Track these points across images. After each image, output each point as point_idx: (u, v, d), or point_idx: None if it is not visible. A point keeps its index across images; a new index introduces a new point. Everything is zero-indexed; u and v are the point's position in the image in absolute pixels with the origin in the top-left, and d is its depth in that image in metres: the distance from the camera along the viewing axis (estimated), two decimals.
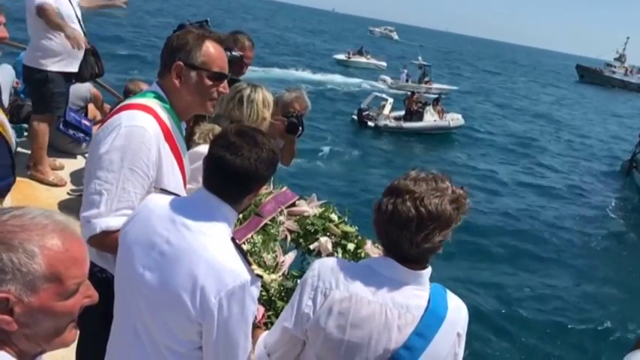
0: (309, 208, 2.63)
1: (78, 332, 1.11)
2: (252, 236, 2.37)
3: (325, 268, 1.60)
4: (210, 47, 1.97)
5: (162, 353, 1.60)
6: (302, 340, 1.61)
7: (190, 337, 1.57)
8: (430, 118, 25.49)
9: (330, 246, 2.50)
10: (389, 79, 38.66)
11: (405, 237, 1.48)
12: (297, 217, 2.59)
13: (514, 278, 12.39)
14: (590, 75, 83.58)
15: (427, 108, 25.58)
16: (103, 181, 1.81)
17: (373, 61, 49.39)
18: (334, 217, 2.62)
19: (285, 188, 2.67)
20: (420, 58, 40.45)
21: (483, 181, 19.77)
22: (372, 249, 2.54)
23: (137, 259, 1.61)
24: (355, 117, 24.82)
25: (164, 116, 1.94)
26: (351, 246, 2.53)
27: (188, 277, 1.52)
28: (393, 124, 24.42)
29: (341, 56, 48.57)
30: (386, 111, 24.56)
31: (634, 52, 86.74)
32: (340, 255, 2.48)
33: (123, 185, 1.81)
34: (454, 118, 26.55)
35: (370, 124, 24.13)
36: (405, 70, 38.38)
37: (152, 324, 1.59)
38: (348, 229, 2.60)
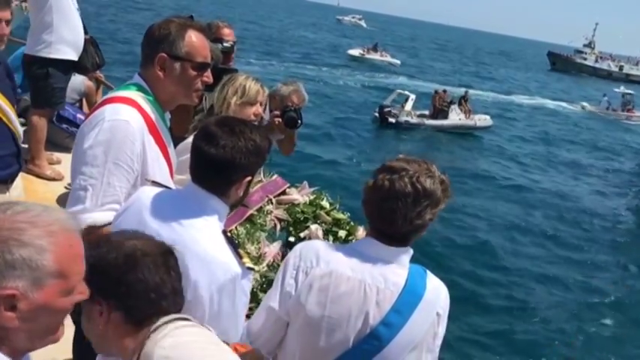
0: (299, 195, 2.73)
1: (64, 329, 1.18)
2: (235, 227, 2.46)
3: (306, 248, 1.75)
4: (193, 37, 2.03)
5: None
6: (286, 322, 1.74)
7: None
8: (455, 117, 25.52)
9: (320, 234, 2.61)
10: (588, 106, 40.54)
11: (400, 212, 1.61)
12: (287, 205, 2.70)
13: (539, 272, 12.96)
14: (561, 62, 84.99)
15: (452, 107, 25.61)
16: (87, 176, 1.89)
17: (388, 58, 50.56)
18: (325, 204, 2.73)
19: (275, 177, 2.78)
20: (622, 87, 42.23)
21: (504, 176, 20.41)
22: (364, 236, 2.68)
23: None
24: (377, 114, 25.02)
25: (147, 108, 2.01)
26: (342, 233, 2.65)
27: (182, 271, 1.59)
28: (414, 120, 24.55)
29: (355, 52, 49.64)
30: (407, 107, 24.71)
31: (602, 39, 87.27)
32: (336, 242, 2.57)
33: (108, 180, 1.89)
34: (482, 119, 26.56)
35: (391, 120, 24.29)
36: (606, 97, 40.22)
37: None
38: (339, 216, 2.72)
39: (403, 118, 24.30)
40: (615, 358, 9.86)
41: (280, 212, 2.68)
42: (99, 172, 1.89)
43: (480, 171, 20.72)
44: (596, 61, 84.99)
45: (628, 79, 79.27)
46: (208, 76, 2.10)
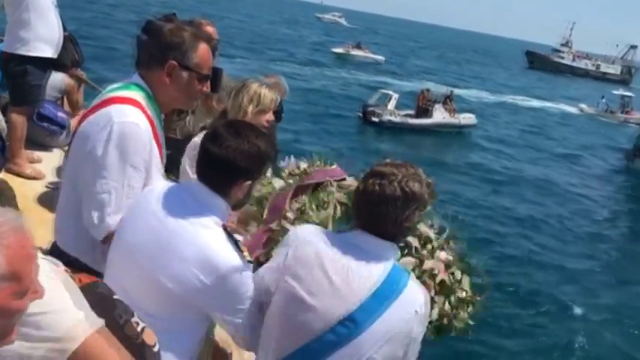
0: (355, 183, 2.72)
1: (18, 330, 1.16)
2: (301, 196, 2.53)
3: (305, 228, 1.88)
4: (204, 49, 2.09)
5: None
6: (271, 291, 1.81)
7: (174, 315, 1.76)
8: (439, 116, 25.73)
9: None
10: (586, 107, 41.61)
11: (390, 216, 1.70)
12: (347, 190, 2.72)
13: (523, 264, 13.33)
14: (539, 61, 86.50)
15: (436, 106, 25.83)
16: (109, 180, 1.93)
17: (370, 55, 51.58)
18: None
19: (335, 165, 2.83)
20: (621, 89, 43.73)
21: (487, 176, 20.77)
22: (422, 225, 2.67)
23: (133, 241, 1.79)
24: (360, 114, 25.15)
25: (149, 110, 2.04)
26: None
27: (180, 262, 1.69)
28: (397, 119, 24.73)
29: (340, 50, 50.38)
30: (390, 106, 24.87)
31: (578, 38, 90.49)
32: None
33: (129, 182, 1.94)
34: (466, 117, 26.85)
35: (374, 119, 24.42)
36: (604, 99, 41.21)
37: (140, 302, 1.74)
38: None
39: (386, 118, 24.49)
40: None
41: (341, 196, 2.72)
42: (120, 176, 1.93)
43: (463, 168, 20.99)
44: (573, 59, 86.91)
45: (604, 78, 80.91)
46: (208, 87, 2.17)
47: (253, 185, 1.85)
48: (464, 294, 2.31)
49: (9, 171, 4.32)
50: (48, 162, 4.75)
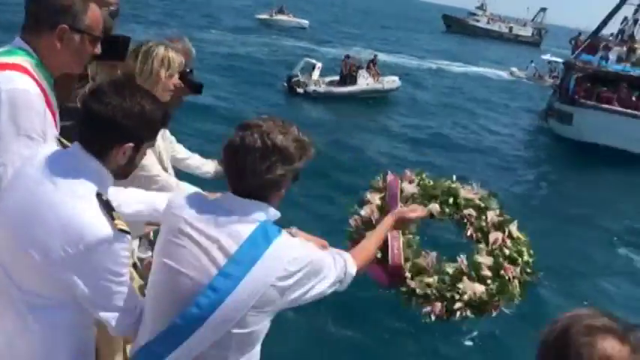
0: (410, 186, 2.69)
1: None
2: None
3: (175, 198, 1.83)
4: (95, 11, 2.09)
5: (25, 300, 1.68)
6: None
7: (48, 291, 1.67)
8: (363, 82, 25.75)
9: (438, 207, 2.63)
10: (517, 70, 44.11)
11: (249, 167, 1.68)
12: (407, 202, 2.65)
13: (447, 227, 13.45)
14: (456, 25, 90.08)
15: (360, 71, 25.78)
16: (2, 152, 1.87)
17: (295, 19, 51.79)
18: (429, 182, 2.77)
19: (389, 176, 2.67)
20: (549, 55, 45.23)
21: (413, 139, 21.27)
22: (466, 192, 2.69)
23: (7, 211, 1.69)
24: (285, 84, 24.71)
25: (39, 76, 2.00)
26: (451, 200, 2.67)
27: (45, 232, 1.60)
28: (322, 89, 24.50)
29: (264, 15, 50.15)
30: (315, 76, 24.61)
31: (492, 1, 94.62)
32: (447, 210, 2.60)
33: (26, 153, 1.85)
34: (390, 81, 27.02)
35: (299, 90, 24.07)
36: (533, 64, 43.89)
37: (15, 276, 1.68)
38: (444, 184, 2.73)
39: (311, 88, 24.20)
40: None
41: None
42: (15, 146, 1.88)
43: (390, 132, 21.29)
44: (488, 22, 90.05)
45: (517, 40, 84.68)
46: (98, 48, 2.16)
47: (139, 152, 1.76)
48: (526, 257, 2.46)
49: None
50: None
